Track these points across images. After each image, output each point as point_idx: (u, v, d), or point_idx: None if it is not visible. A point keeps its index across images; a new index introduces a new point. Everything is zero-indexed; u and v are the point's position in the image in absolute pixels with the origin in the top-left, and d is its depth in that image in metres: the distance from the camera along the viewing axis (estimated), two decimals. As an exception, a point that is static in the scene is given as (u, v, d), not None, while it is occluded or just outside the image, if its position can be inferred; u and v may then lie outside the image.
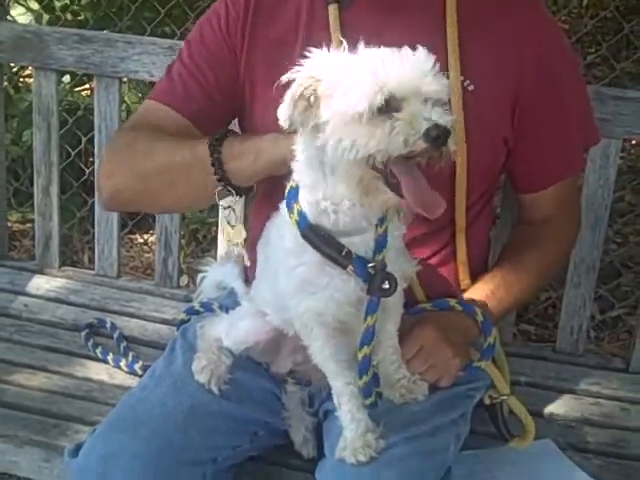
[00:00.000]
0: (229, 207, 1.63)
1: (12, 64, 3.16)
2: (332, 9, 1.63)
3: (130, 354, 2.07)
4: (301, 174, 1.40)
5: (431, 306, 1.67)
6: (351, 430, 1.45)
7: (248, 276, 1.80)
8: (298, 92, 1.28)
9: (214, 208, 2.44)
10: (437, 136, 1.24)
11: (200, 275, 1.88)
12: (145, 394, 1.64)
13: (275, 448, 1.72)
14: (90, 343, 2.11)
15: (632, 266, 3.33)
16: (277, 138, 1.49)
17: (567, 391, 2.05)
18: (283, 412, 1.69)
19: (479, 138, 1.60)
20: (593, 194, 2.08)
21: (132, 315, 2.28)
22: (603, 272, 2.55)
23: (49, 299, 2.34)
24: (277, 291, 1.49)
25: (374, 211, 1.37)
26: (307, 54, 1.31)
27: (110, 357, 2.06)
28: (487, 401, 1.70)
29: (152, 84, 2.77)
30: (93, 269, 2.48)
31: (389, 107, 1.25)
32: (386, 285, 1.40)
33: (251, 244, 1.69)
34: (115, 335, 2.15)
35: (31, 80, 2.67)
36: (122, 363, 2.03)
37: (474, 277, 1.74)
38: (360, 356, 1.46)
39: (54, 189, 2.42)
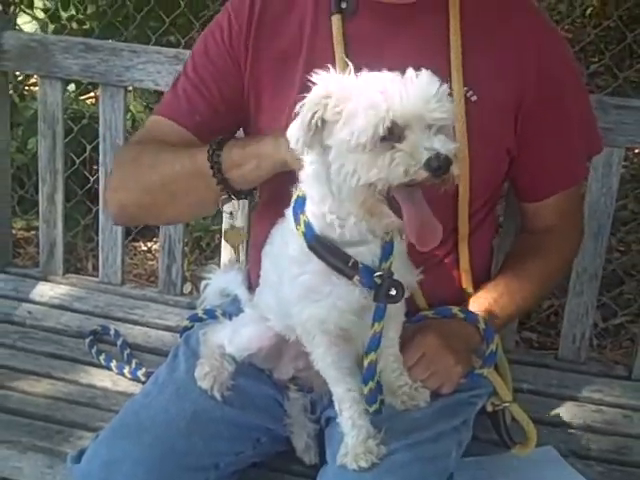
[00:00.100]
0: (231, 213, 1.64)
1: (18, 72, 3.18)
2: (335, 20, 1.63)
3: (133, 361, 2.08)
4: (308, 186, 1.41)
5: (433, 313, 1.67)
6: (352, 436, 1.45)
7: (251, 282, 1.81)
8: (308, 117, 1.29)
9: (217, 216, 2.45)
10: (438, 167, 1.25)
11: (203, 282, 1.89)
12: (148, 401, 1.65)
13: (277, 454, 1.73)
14: (94, 350, 2.12)
15: (635, 274, 3.33)
16: (278, 139, 1.49)
17: (569, 398, 2.05)
18: (285, 419, 1.69)
19: (482, 148, 1.60)
20: (596, 202, 2.08)
21: (136, 322, 2.29)
22: (606, 280, 2.55)
23: (53, 306, 2.35)
24: (280, 298, 1.50)
25: (378, 231, 1.39)
26: (315, 74, 1.32)
27: (114, 364, 2.06)
28: (489, 408, 1.71)
29: (157, 93, 2.81)
30: (97, 276, 2.48)
31: (392, 134, 1.26)
32: (393, 292, 1.41)
33: (253, 249, 1.70)
34: (119, 342, 2.16)
35: (36, 88, 2.69)
36: (125, 370, 2.04)
37: (477, 285, 1.75)
38: (366, 362, 1.47)
39: (59, 197, 2.43)
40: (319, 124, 1.29)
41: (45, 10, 3.80)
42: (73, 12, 3.79)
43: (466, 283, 1.74)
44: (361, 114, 1.26)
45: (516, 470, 1.73)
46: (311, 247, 1.41)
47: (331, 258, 1.40)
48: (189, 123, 1.69)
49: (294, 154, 1.39)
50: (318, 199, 1.39)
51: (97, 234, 2.46)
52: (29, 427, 1.85)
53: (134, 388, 1.98)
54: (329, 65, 1.35)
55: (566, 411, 2.00)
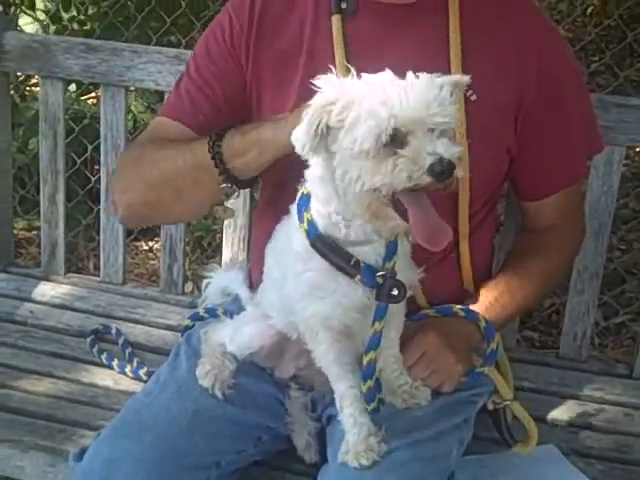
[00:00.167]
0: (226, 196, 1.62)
1: (19, 73, 3.18)
2: (335, 20, 1.63)
3: (135, 360, 2.08)
4: (314, 186, 1.41)
5: (434, 312, 1.68)
6: (353, 434, 1.46)
7: (252, 281, 1.82)
8: (313, 123, 1.29)
9: (218, 216, 2.44)
10: (441, 171, 1.25)
11: (205, 281, 1.90)
12: (150, 399, 1.65)
13: (279, 453, 1.73)
14: (95, 349, 2.12)
15: (636, 273, 3.34)
16: (277, 123, 1.49)
17: (570, 397, 2.05)
18: (286, 417, 1.69)
19: (482, 148, 1.60)
20: (596, 201, 2.08)
21: (137, 321, 2.29)
22: (607, 279, 2.55)
23: (55, 305, 2.35)
24: (284, 294, 1.50)
25: (384, 233, 1.39)
26: (319, 79, 1.32)
27: (115, 363, 2.07)
28: (490, 406, 1.71)
29: (158, 93, 2.81)
30: (98, 276, 2.49)
31: (395, 140, 1.26)
32: (395, 292, 1.42)
33: (254, 248, 1.70)
34: (120, 341, 2.16)
35: (38, 89, 2.70)
36: (127, 369, 2.04)
37: (478, 284, 1.75)
38: (365, 361, 1.47)
39: (60, 197, 2.44)
40: (324, 130, 1.30)
41: (46, 12, 3.80)
42: (74, 13, 3.80)
43: (467, 282, 1.74)
44: (363, 122, 1.26)
45: (517, 468, 1.73)
46: (313, 245, 1.42)
47: (333, 257, 1.41)
48: (193, 123, 1.69)
49: (295, 136, 1.38)
50: (324, 199, 1.40)
51: (98, 234, 2.47)
52: (31, 426, 1.85)
53: (135, 387, 1.98)
54: (331, 67, 1.35)
55: (567, 409, 2.00)
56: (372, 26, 1.63)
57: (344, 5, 1.64)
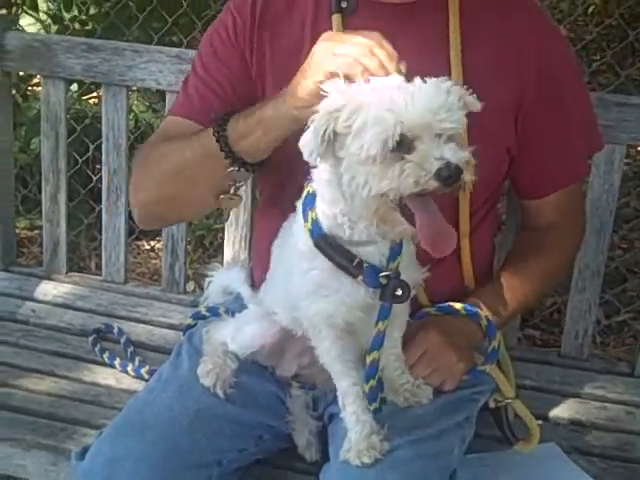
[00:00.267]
0: (234, 184, 1.60)
1: (20, 72, 3.18)
2: (335, 19, 1.64)
3: (137, 359, 2.08)
4: (320, 187, 1.41)
5: (435, 310, 1.68)
6: (356, 432, 1.46)
7: (254, 280, 1.82)
8: (320, 130, 1.29)
9: (220, 215, 2.45)
10: (449, 176, 1.25)
11: (206, 280, 1.90)
12: (152, 398, 1.65)
13: (280, 451, 1.73)
14: (97, 348, 2.13)
15: (638, 271, 3.34)
16: (277, 101, 1.47)
17: (572, 395, 2.06)
18: (287, 416, 1.70)
19: (482, 148, 1.59)
20: (598, 199, 2.08)
21: (139, 320, 2.30)
22: (609, 277, 2.56)
23: (56, 304, 2.35)
24: (289, 290, 1.50)
25: (391, 237, 1.39)
26: (326, 84, 1.32)
27: (117, 362, 2.07)
28: (492, 404, 1.71)
29: (159, 92, 2.82)
30: (100, 275, 2.49)
31: (402, 145, 1.26)
32: (399, 292, 1.42)
33: (256, 246, 1.70)
34: (122, 340, 2.17)
35: (39, 88, 2.70)
36: (129, 368, 2.05)
37: (479, 282, 1.75)
38: (369, 360, 1.47)
39: (62, 196, 2.44)
40: (331, 136, 1.30)
41: (48, 12, 3.81)
42: (76, 13, 3.80)
43: (468, 280, 1.74)
44: (370, 128, 1.26)
45: (519, 467, 1.74)
46: (317, 245, 1.42)
47: (336, 257, 1.41)
48: (205, 120, 1.67)
49: (298, 108, 1.39)
50: (329, 200, 1.40)
51: (100, 233, 2.47)
52: (33, 425, 1.86)
53: (137, 386, 1.98)
54: (337, 71, 1.33)
55: (569, 408, 2.01)
56: (372, 25, 1.62)
57: (344, 4, 1.64)
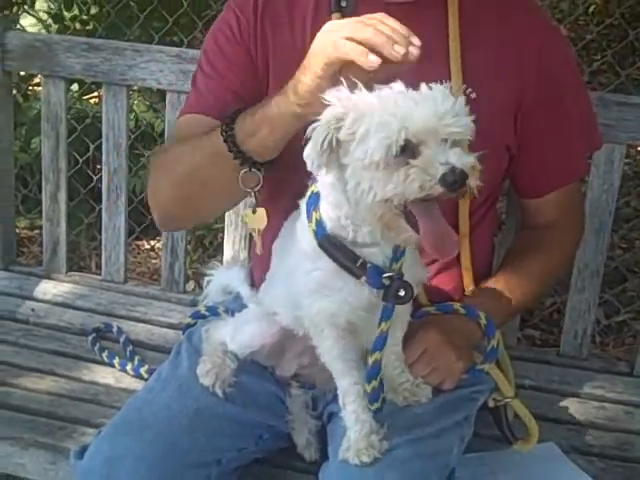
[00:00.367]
0: (250, 190, 1.60)
1: (21, 72, 3.19)
2: (335, 18, 1.63)
3: (136, 358, 2.08)
4: (324, 190, 1.41)
5: (435, 309, 1.68)
6: (355, 431, 1.46)
7: (253, 279, 1.82)
8: (320, 140, 1.29)
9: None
10: (454, 181, 1.25)
11: (206, 279, 1.90)
12: (151, 397, 1.65)
13: (280, 450, 1.73)
14: (97, 347, 2.13)
15: (637, 271, 3.35)
16: (279, 98, 1.46)
17: (571, 395, 2.06)
18: (287, 415, 1.70)
19: (481, 147, 1.61)
20: (597, 199, 2.08)
21: (138, 320, 2.30)
22: (609, 277, 2.56)
23: (56, 304, 2.36)
24: (291, 289, 1.50)
25: (395, 243, 1.39)
26: (327, 92, 1.31)
27: (116, 361, 2.07)
28: (491, 404, 1.71)
29: (160, 92, 2.82)
30: (100, 274, 2.49)
31: (406, 150, 1.26)
32: (402, 293, 1.42)
33: (255, 246, 1.69)
34: (121, 339, 2.17)
35: (40, 88, 2.70)
36: (128, 367, 2.05)
37: (478, 282, 1.75)
38: (371, 361, 1.47)
39: (62, 196, 2.44)
40: (334, 144, 1.29)
41: (48, 12, 3.81)
42: (76, 12, 3.80)
43: (467, 280, 1.74)
44: (373, 134, 1.26)
45: (518, 466, 1.74)
46: (321, 245, 1.42)
47: (340, 257, 1.41)
48: (220, 115, 1.64)
49: (300, 105, 1.39)
50: (334, 203, 1.40)
51: (100, 233, 2.47)
52: (32, 423, 1.86)
53: (137, 385, 1.98)
54: (341, 78, 1.32)
55: (568, 407, 2.01)
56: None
57: (344, 3, 1.64)
